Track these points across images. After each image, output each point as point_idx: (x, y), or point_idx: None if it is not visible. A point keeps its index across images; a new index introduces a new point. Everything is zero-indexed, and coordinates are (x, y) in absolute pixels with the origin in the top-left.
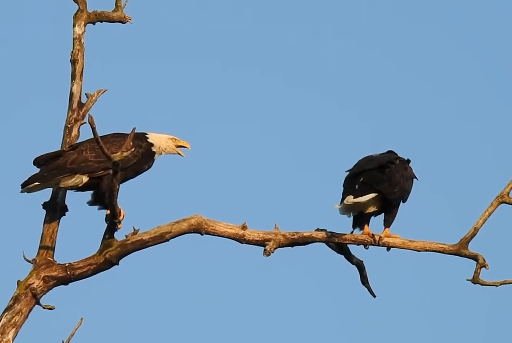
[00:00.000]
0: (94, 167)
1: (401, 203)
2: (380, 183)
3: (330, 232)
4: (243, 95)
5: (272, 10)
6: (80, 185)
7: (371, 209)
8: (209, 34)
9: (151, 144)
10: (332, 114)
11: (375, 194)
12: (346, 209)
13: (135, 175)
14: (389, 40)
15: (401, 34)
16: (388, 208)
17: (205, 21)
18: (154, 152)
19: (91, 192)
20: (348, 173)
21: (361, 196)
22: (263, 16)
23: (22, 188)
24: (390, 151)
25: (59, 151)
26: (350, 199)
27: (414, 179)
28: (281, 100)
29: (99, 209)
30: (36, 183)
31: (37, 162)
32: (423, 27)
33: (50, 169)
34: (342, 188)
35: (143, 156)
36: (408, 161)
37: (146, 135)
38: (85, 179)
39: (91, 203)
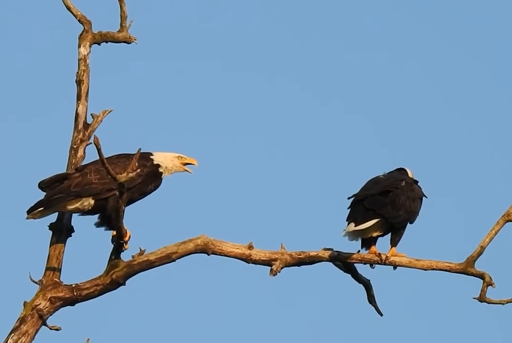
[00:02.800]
0: (98, 189)
1: (409, 223)
2: (382, 207)
3: (337, 251)
4: (248, 109)
5: (279, 13)
6: (87, 209)
7: (377, 233)
8: (215, 53)
9: (157, 165)
10: (340, 131)
11: (377, 220)
12: (351, 236)
13: (141, 195)
14: (396, 43)
15: (408, 37)
16: (395, 229)
17: (211, 41)
18: (161, 173)
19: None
20: (352, 198)
21: (363, 222)
22: (269, 24)
23: (27, 214)
24: (400, 169)
25: (65, 174)
26: (351, 227)
27: (424, 198)
28: (288, 115)
29: (106, 230)
30: (41, 209)
31: (42, 185)
32: (435, 31)
33: (55, 194)
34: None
35: (148, 176)
36: (416, 182)
37: (151, 156)
38: (91, 201)
39: (98, 224)
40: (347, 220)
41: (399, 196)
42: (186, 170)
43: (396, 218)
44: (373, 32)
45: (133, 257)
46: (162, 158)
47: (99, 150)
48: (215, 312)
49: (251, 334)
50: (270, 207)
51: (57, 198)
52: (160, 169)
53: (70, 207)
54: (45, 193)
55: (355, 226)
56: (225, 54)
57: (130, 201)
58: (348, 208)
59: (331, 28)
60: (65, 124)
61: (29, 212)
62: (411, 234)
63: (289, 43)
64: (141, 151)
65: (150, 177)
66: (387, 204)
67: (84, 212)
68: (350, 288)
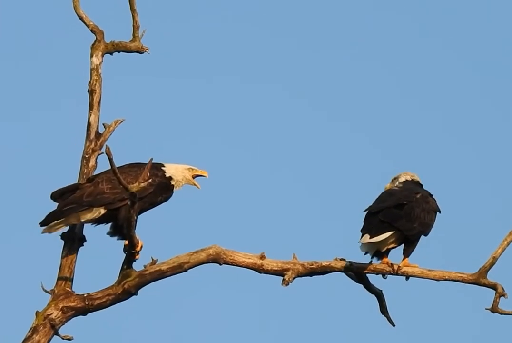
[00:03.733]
0: (110, 199)
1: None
2: (397, 220)
3: (349, 262)
4: (260, 118)
5: (281, 16)
6: (98, 217)
7: (392, 245)
8: (227, 62)
9: (169, 178)
10: (347, 142)
11: (391, 232)
12: (365, 248)
13: (151, 205)
14: (393, 48)
15: (405, 41)
16: (409, 241)
17: (223, 51)
18: (172, 185)
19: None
20: (367, 211)
21: (377, 235)
22: (275, 39)
23: (41, 226)
24: (416, 182)
25: (76, 184)
26: (366, 239)
27: (438, 212)
28: (296, 126)
29: (118, 239)
30: (56, 222)
31: (54, 196)
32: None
33: (67, 204)
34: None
35: (159, 186)
36: (431, 195)
37: (163, 167)
38: (102, 211)
39: (110, 234)
40: (361, 231)
41: (414, 209)
42: (194, 184)
43: (411, 230)
44: (369, 38)
45: (145, 266)
46: (173, 170)
47: (110, 160)
48: (227, 322)
49: None
50: (282, 216)
51: (69, 208)
52: (172, 182)
53: (83, 217)
54: (57, 203)
55: (370, 238)
56: (237, 63)
57: (141, 211)
58: (363, 221)
59: (326, 33)
60: (77, 134)
61: (42, 224)
62: (423, 244)
63: (285, 50)
64: (153, 161)
65: (161, 188)
66: (402, 217)
67: (97, 222)
68: (362, 299)
